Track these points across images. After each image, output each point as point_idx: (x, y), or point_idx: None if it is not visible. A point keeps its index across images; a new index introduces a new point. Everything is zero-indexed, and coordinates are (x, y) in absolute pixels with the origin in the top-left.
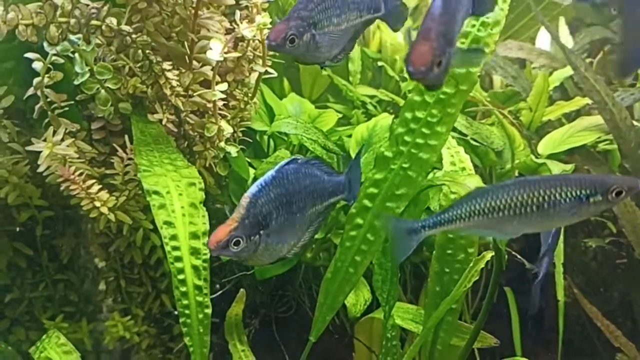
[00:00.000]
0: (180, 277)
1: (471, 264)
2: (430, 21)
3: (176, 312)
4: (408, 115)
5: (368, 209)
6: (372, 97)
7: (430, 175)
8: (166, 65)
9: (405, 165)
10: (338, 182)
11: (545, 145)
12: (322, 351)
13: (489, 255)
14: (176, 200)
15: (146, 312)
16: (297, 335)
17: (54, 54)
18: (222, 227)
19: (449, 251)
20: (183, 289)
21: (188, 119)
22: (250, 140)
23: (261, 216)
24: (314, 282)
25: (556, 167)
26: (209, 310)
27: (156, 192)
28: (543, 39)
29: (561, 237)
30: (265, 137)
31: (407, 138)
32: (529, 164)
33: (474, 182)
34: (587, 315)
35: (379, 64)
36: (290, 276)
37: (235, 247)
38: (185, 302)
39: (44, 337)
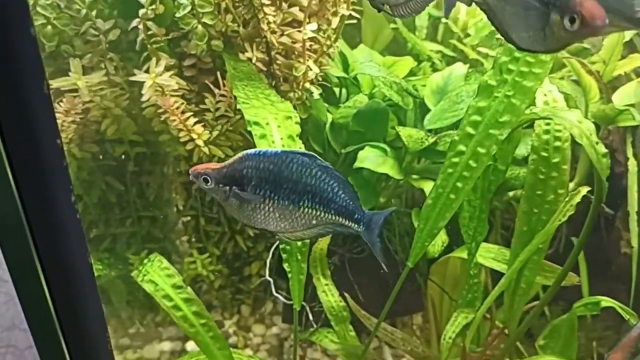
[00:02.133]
0: None
1: (567, 198)
2: None
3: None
4: None
5: (471, 136)
6: (436, 52)
7: (527, 112)
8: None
9: (509, 93)
10: (349, 208)
11: (620, 97)
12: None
13: (584, 190)
14: (275, 132)
15: (221, 252)
16: (370, 275)
17: None
18: (210, 164)
19: (539, 192)
20: None
21: (276, 58)
22: (328, 85)
23: (239, 174)
24: (385, 227)
25: (639, 115)
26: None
27: (256, 123)
28: None
29: (635, 186)
30: (337, 85)
31: (511, 66)
32: (607, 113)
33: (575, 115)
34: None
35: (443, 20)
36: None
37: (204, 184)
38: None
39: (145, 261)
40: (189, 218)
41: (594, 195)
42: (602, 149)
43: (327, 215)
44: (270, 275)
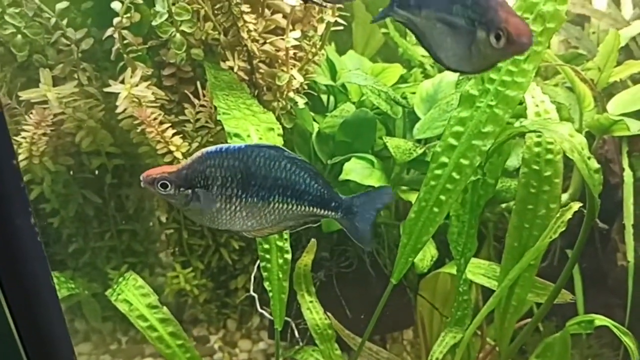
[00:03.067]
0: None
1: (557, 215)
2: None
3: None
4: None
5: (454, 147)
6: (428, 57)
7: (517, 124)
8: (244, 7)
9: (491, 103)
10: (324, 197)
11: (616, 105)
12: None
13: (576, 205)
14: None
15: (205, 266)
16: (358, 290)
17: None
18: (164, 167)
19: (530, 206)
20: None
21: (259, 66)
22: (314, 93)
23: (201, 175)
24: (374, 239)
25: (634, 125)
26: (288, 256)
27: (237, 135)
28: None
29: (631, 198)
30: (324, 93)
31: (493, 76)
32: (602, 122)
33: (567, 129)
34: None
35: None
36: None
37: (161, 189)
38: (266, 246)
39: (120, 280)
40: (171, 231)
41: (586, 212)
42: (594, 164)
43: (300, 207)
44: (256, 290)
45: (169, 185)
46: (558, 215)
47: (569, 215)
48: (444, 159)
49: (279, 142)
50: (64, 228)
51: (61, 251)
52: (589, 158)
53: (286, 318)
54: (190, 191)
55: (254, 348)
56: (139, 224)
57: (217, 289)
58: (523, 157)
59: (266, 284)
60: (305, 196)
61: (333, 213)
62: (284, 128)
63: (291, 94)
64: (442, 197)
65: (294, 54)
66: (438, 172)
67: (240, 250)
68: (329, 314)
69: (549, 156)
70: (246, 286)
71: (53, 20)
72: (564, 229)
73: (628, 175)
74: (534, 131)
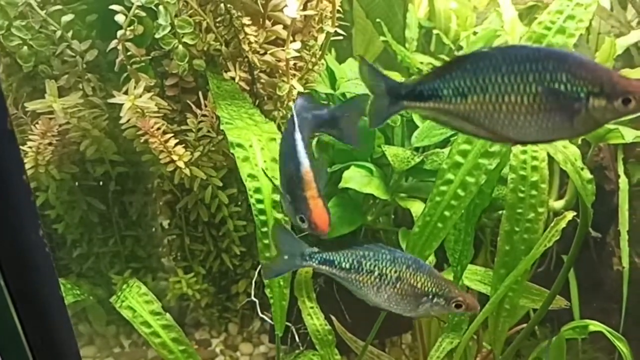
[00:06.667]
0: (264, 229)
1: (548, 221)
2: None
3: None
4: None
5: (460, 165)
6: (426, 64)
7: None
8: (245, 20)
9: None
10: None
11: None
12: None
13: (570, 215)
14: (259, 154)
15: (207, 271)
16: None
17: (139, 5)
18: (318, 205)
19: (519, 210)
20: (266, 241)
21: (260, 76)
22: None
23: None
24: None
25: (629, 134)
26: None
27: (240, 145)
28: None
29: (626, 205)
30: (324, 101)
31: None
32: (597, 131)
33: (561, 140)
34: None
35: (434, 32)
36: (350, 239)
37: None
38: (267, 254)
39: (124, 287)
40: (173, 237)
41: (580, 221)
42: (587, 175)
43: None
44: (257, 295)
45: None
46: (552, 224)
47: (563, 224)
48: (450, 176)
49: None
50: (68, 234)
51: (65, 256)
52: (582, 169)
53: (287, 323)
54: None
55: (255, 351)
56: (142, 230)
57: (219, 294)
58: (510, 164)
59: (267, 291)
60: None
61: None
62: None
63: (291, 104)
64: (447, 213)
65: (294, 64)
66: (443, 188)
67: (241, 255)
68: (332, 316)
69: (535, 162)
70: (247, 290)
71: (59, 32)
72: (558, 237)
73: (624, 181)
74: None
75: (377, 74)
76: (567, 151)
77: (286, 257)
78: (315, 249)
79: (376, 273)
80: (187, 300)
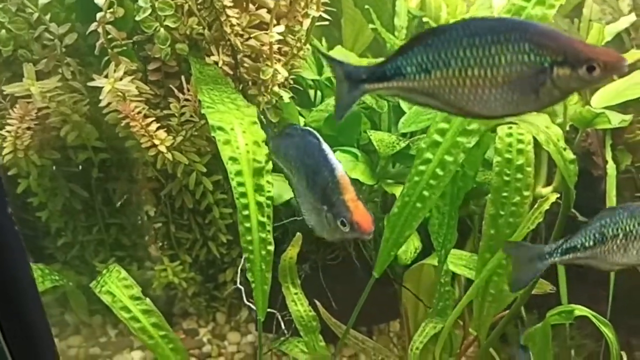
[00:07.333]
0: (245, 212)
1: (532, 203)
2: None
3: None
4: None
5: (438, 144)
6: None
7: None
8: (227, 1)
9: None
10: None
11: (600, 98)
12: (370, 299)
13: (553, 197)
14: (240, 137)
15: (193, 259)
16: (344, 283)
17: None
18: (359, 207)
19: (505, 194)
20: (247, 224)
21: (244, 61)
22: (301, 88)
23: None
24: None
25: (615, 118)
26: (271, 247)
27: (221, 128)
28: None
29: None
30: (311, 88)
31: None
32: (584, 115)
33: (543, 120)
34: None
35: (424, 19)
36: None
37: None
38: (249, 237)
39: (104, 271)
40: (159, 225)
41: (562, 202)
42: (570, 155)
43: None
44: (243, 283)
45: None
46: (536, 206)
47: (546, 206)
48: (429, 155)
49: (262, 135)
50: (52, 222)
51: (50, 245)
52: (564, 149)
53: (272, 310)
54: None
55: (243, 340)
56: (126, 218)
57: (206, 282)
58: (496, 147)
59: (249, 275)
60: None
61: None
62: (270, 122)
63: (276, 89)
64: (426, 193)
65: (279, 48)
66: (422, 167)
67: (228, 243)
68: (316, 301)
69: (520, 146)
70: (235, 279)
71: (35, 15)
72: (541, 219)
73: (611, 167)
74: (512, 123)
75: (333, 61)
76: (549, 131)
77: (527, 265)
78: (553, 245)
79: (621, 235)
80: (175, 290)
